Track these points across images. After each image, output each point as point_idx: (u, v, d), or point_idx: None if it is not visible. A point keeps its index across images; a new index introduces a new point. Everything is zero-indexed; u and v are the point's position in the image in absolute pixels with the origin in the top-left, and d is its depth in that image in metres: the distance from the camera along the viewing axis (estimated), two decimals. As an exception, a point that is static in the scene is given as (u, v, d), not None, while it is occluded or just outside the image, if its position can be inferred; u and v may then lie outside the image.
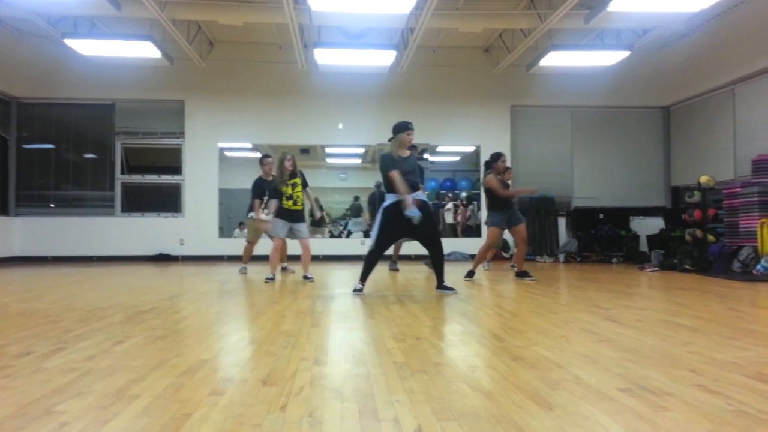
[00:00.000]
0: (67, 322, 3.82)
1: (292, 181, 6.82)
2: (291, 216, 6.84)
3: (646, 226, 11.61)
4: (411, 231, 5.44)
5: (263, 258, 8.27)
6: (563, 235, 12.12)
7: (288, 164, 6.81)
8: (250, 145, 12.44)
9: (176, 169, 11.80)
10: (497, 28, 10.88)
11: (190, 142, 11.76)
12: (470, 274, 7.15)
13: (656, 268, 9.03)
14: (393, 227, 5.43)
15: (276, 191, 6.86)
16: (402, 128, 5.51)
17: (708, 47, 10.66)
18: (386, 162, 5.46)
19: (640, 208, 12.05)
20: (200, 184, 11.68)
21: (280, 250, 7.01)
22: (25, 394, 2.15)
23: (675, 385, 2.28)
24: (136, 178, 11.80)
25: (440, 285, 5.59)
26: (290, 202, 6.82)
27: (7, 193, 11.35)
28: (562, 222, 12.17)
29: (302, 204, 6.90)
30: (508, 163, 11.79)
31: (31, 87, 11.43)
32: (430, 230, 5.55)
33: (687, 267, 8.56)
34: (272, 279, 6.79)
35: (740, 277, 7.44)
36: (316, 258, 11.01)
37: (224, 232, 11.85)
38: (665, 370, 2.51)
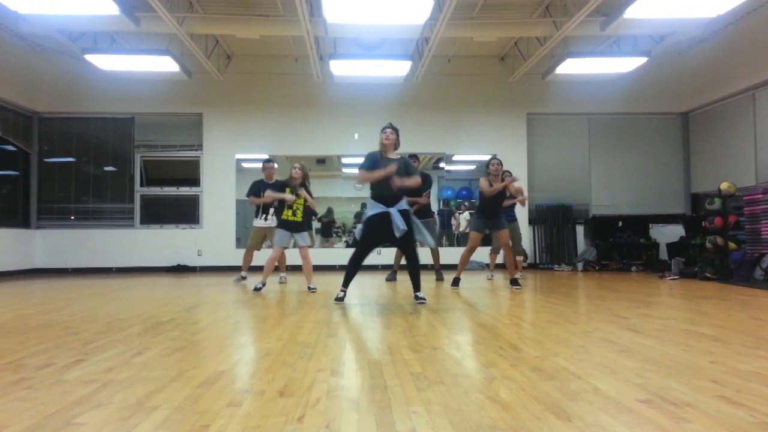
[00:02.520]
0: (86, 333, 3.87)
1: (298, 191, 6.82)
2: (292, 227, 6.87)
3: (666, 234, 11.47)
4: (392, 239, 5.50)
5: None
6: (581, 244, 12.02)
7: (294, 172, 6.84)
8: (267, 156, 12.50)
9: (194, 181, 11.93)
10: (512, 37, 10.87)
11: (208, 154, 11.88)
12: (456, 282, 7.22)
13: (676, 277, 8.92)
14: (374, 236, 5.50)
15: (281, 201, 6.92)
16: (381, 131, 5.65)
17: (726, 52, 10.55)
18: (365, 160, 5.58)
19: (660, 216, 11.91)
20: (218, 196, 11.79)
21: (277, 260, 7.01)
22: (45, 406, 2.18)
23: (696, 396, 2.25)
24: (155, 191, 11.94)
25: (415, 294, 5.58)
26: (289, 212, 6.84)
27: (28, 206, 11.54)
28: (580, 230, 12.08)
29: (302, 216, 6.89)
30: (524, 171, 11.77)
31: (52, 102, 11.64)
32: (409, 240, 5.53)
33: (708, 275, 8.44)
34: (262, 287, 6.83)
35: (763, 285, 7.32)
36: (332, 269, 11.04)
37: (241, 242, 11.91)
38: (686, 381, 2.47)
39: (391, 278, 8.51)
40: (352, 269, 5.65)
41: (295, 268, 7.93)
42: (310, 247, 7.12)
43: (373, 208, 5.46)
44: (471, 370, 2.72)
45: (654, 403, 2.15)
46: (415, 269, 5.65)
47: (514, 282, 7.15)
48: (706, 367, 2.75)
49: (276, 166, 8.38)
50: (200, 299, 6.21)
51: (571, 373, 2.64)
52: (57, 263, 11.46)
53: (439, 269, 8.73)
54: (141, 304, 5.77)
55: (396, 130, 5.65)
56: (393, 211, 5.35)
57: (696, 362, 2.85)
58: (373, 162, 5.51)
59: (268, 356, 3.08)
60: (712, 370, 2.67)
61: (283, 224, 6.90)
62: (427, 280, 8.17)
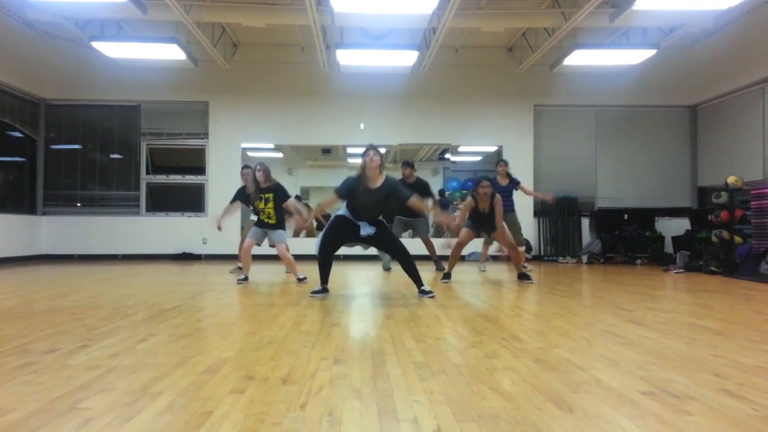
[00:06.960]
0: (92, 319, 3.89)
1: (265, 196, 6.63)
2: (266, 226, 6.74)
3: (672, 227, 11.43)
4: (366, 240, 5.32)
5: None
6: (586, 236, 11.99)
7: (258, 175, 6.61)
8: (272, 146, 12.53)
9: (200, 170, 11.94)
10: (520, 28, 10.79)
11: (213, 143, 11.88)
12: (446, 277, 6.85)
13: (681, 270, 8.90)
14: (340, 233, 5.32)
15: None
16: (363, 153, 5.14)
17: (737, 45, 10.45)
18: (341, 186, 5.21)
19: (666, 209, 11.87)
20: (223, 184, 11.77)
21: (248, 251, 6.80)
22: (50, 390, 2.20)
23: (699, 389, 2.25)
24: (161, 178, 11.95)
25: (419, 290, 5.35)
26: (264, 216, 6.69)
27: (35, 193, 11.58)
28: (585, 222, 12.04)
29: (276, 218, 6.68)
30: (530, 163, 11.74)
31: (58, 89, 11.65)
32: (387, 242, 5.42)
33: (713, 269, 8.41)
34: (244, 279, 6.66)
35: (768, 279, 7.30)
36: (336, 258, 11.02)
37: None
38: (689, 374, 2.47)
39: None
40: (321, 265, 5.43)
41: (299, 258, 7.90)
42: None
43: (344, 211, 5.33)
44: (473, 361, 2.73)
45: (656, 395, 2.16)
46: (409, 266, 5.35)
47: (522, 276, 6.92)
48: (709, 360, 2.75)
49: (247, 171, 7.66)
50: (205, 287, 6.24)
51: (573, 364, 2.64)
52: (63, 249, 11.52)
53: (437, 260, 8.71)
54: (146, 291, 5.80)
55: (380, 152, 5.11)
56: (362, 224, 5.22)
57: (699, 356, 2.85)
58: (349, 191, 5.15)
59: (271, 344, 3.09)
60: (715, 364, 2.67)
61: (258, 223, 6.80)
62: (428, 270, 8.19)
